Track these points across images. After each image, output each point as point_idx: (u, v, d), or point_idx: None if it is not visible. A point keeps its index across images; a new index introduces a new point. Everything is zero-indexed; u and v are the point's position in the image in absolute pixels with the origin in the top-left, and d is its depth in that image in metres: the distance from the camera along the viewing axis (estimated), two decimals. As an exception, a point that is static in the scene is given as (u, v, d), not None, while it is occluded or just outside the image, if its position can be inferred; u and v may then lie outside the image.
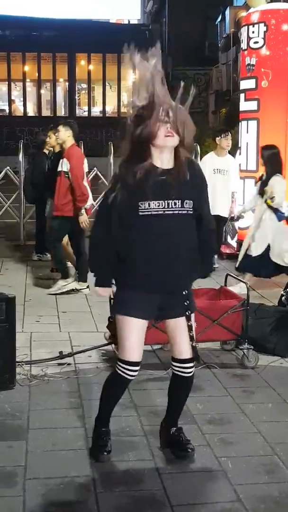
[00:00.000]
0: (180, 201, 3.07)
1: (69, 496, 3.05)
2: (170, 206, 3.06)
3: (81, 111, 28.97)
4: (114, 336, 4.81)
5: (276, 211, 6.57)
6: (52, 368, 4.69)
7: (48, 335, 5.50)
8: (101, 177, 10.13)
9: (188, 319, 3.23)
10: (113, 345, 4.90)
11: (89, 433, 3.65)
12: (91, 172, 9.99)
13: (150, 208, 3.04)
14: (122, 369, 3.26)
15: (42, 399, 4.15)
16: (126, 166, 3.07)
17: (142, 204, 3.04)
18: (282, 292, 5.54)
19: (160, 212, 3.05)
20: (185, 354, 3.26)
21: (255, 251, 6.57)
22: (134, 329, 3.19)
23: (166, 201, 3.05)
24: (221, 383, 4.45)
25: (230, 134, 8.12)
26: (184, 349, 3.26)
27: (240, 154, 8.45)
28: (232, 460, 3.37)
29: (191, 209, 3.12)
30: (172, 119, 3.01)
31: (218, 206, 7.62)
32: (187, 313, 3.22)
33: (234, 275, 5.38)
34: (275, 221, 6.56)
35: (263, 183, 6.68)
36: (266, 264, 6.49)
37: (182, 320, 3.23)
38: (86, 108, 28.91)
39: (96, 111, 28.91)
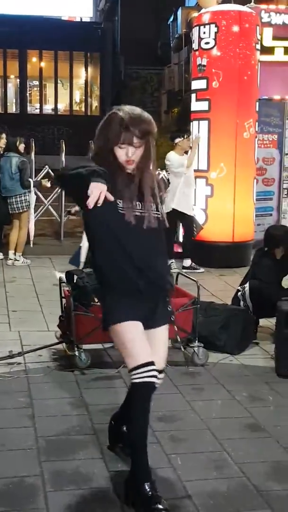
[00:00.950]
0: (154, 204, 2.99)
1: (19, 495, 3.03)
2: (147, 209, 2.96)
3: (33, 108, 28.69)
4: (65, 334, 4.83)
5: None
6: (2, 367, 4.64)
7: (-3, 335, 5.45)
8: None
9: (172, 323, 3.25)
10: (64, 344, 4.90)
11: (39, 433, 3.65)
12: (43, 170, 9.93)
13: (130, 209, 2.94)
14: (138, 375, 2.92)
15: (-9, 399, 4.11)
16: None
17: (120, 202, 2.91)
18: (238, 287, 5.62)
19: (138, 214, 2.93)
20: (160, 365, 3.05)
21: None
22: (134, 331, 2.95)
23: (143, 203, 2.95)
24: (171, 380, 4.48)
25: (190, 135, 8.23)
26: (160, 360, 3.05)
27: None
28: (182, 457, 3.40)
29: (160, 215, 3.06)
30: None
31: (181, 203, 7.88)
32: (172, 318, 3.21)
33: (185, 274, 5.42)
34: None
35: None
36: None
37: (163, 330, 3.09)
38: (37, 105, 28.65)
39: (48, 108, 28.68)
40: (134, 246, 2.94)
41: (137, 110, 2.92)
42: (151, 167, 3.01)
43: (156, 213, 3.01)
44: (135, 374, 2.93)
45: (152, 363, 2.94)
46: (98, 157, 2.94)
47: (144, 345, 2.96)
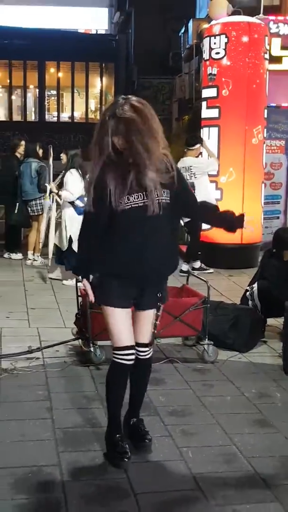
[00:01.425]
0: (157, 190, 3.00)
1: (37, 484, 3.02)
2: (147, 197, 2.99)
3: (51, 116, 28.80)
4: (81, 331, 4.82)
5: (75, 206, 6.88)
6: (21, 362, 4.64)
7: (17, 331, 5.44)
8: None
9: (158, 309, 3.29)
10: (80, 341, 4.88)
11: (57, 424, 3.64)
12: (60, 175, 9.90)
13: (130, 202, 2.99)
14: (118, 356, 3.21)
15: (11, 392, 4.10)
16: (96, 169, 3.03)
17: (122, 199, 2.98)
18: (247, 287, 5.57)
19: (139, 204, 3.00)
20: (143, 339, 3.29)
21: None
22: (118, 317, 3.17)
23: (144, 193, 2.99)
24: (182, 376, 4.45)
25: None
26: (143, 336, 3.28)
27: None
28: (193, 450, 3.37)
29: (168, 199, 3.06)
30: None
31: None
32: (159, 304, 3.26)
33: (195, 274, 5.39)
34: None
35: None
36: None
37: (149, 312, 3.27)
38: (55, 113, 28.73)
39: (65, 116, 28.76)
40: (134, 234, 3.03)
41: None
42: (153, 148, 2.93)
43: (165, 199, 3.03)
44: (115, 353, 3.21)
45: (131, 347, 3.19)
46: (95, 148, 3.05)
47: (127, 329, 3.19)
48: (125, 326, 3.20)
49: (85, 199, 6.97)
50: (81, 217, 6.42)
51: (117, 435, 3.28)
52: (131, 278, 3.12)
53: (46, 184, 8.25)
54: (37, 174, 8.19)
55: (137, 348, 3.28)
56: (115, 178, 2.98)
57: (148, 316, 3.28)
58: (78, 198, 6.82)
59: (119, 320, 3.18)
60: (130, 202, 3.00)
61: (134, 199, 3.00)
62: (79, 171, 6.88)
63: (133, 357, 3.22)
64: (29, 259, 8.33)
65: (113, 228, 3.06)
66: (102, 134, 2.99)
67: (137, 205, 2.99)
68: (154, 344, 3.39)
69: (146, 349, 3.32)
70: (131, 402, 3.44)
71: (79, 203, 6.76)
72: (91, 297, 3.21)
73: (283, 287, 5.25)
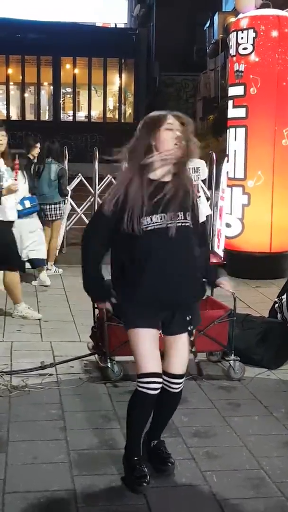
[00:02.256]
0: (182, 212, 3.08)
1: (50, 510, 3.04)
2: (172, 219, 3.05)
3: (66, 115, 28.98)
4: (97, 346, 4.84)
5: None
6: (33, 378, 4.67)
7: (29, 345, 5.48)
8: (85, 183, 10.14)
9: (190, 334, 3.22)
10: (96, 356, 4.91)
11: (71, 446, 3.65)
12: (76, 178, 10.00)
13: (153, 223, 3.03)
14: (142, 384, 3.13)
15: (22, 410, 4.13)
16: (127, 178, 3.09)
17: (144, 219, 3.03)
18: (275, 299, 5.57)
19: (163, 226, 3.04)
20: (177, 370, 3.21)
21: None
22: (145, 339, 3.10)
23: (168, 214, 3.04)
24: (206, 395, 4.45)
25: None
26: (177, 365, 3.21)
27: (228, 161, 8.50)
28: (217, 474, 3.37)
29: (191, 222, 3.13)
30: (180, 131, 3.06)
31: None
32: (189, 328, 3.20)
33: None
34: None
35: None
36: None
37: (182, 337, 3.21)
38: (71, 112, 28.95)
39: (81, 116, 28.96)
40: (156, 258, 3.04)
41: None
42: (186, 171, 3.15)
43: (184, 222, 3.08)
44: (139, 381, 3.13)
45: (157, 375, 3.11)
46: (132, 155, 3.10)
47: (154, 354, 3.12)
48: (150, 350, 3.11)
49: (25, 201, 6.96)
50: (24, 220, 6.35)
51: (135, 458, 3.26)
52: (154, 305, 3.12)
53: (68, 189, 8.32)
54: (57, 177, 8.26)
55: (167, 378, 3.21)
56: (142, 193, 3.03)
57: (178, 342, 3.21)
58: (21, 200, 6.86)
59: (143, 342, 3.10)
60: (153, 223, 3.04)
61: (158, 220, 3.04)
62: (24, 172, 6.92)
63: (158, 386, 3.14)
64: (49, 269, 8.35)
65: (130, 253, 3.09)
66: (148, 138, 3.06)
67: (159, 226, 3.04)
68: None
69: (180, 380, 3.24)
70: (153, 424, 3.42)
71: (21, 205, 6.81)
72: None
73: None
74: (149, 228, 3.03)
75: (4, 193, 5.89)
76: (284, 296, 5.44)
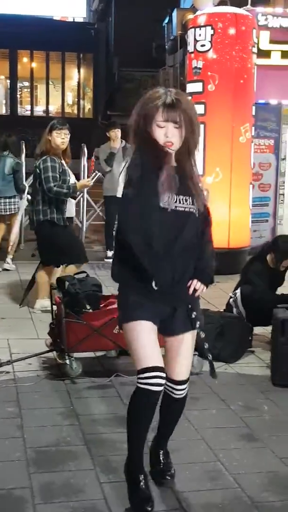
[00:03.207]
0: (190, 197, 2.88)
1: (6, 509, 3.03)
2: (181, 202, 2.85)
3: (23, 110, 28.68)
4: (55, 342, 4.83)
5: None
6: (-10, 376, 4.65)
7: (-14, 342, 5.45)
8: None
9: (199, 332, 3.02)
10: (54, 353, 4.90)
11: (29, 443, 3.65)
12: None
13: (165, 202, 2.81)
14: (144, 380, 2.84)
15: (-21, 408, 4.11)
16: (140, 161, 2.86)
17: (158, 197, 2.79)
18: (230, 294, 5.65)
19: (172, 207, 2.82)
20: (181, 376, 3.00)
21: None
22: (144, 332, 2.86)
23: (178, 196, 2.84)
24: (164, 390, 4.49)
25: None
26: (181, 370, 3.00)
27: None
28: (175, 467, 3.40)
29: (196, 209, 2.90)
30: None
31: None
32: (196, 325, 2.97)
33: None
34: None
35: None
36: None
37: (185, 337, 2.98)
38: (28, 107, 28.65)
39: (39, 110, 28.67)
40: (159, 245, 2.80)
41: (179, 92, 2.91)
42: (192, 160, 2.91)
43: (191, 207, 2.87)
44: (140, 377, 2.85)
45: (159, 369, 2.84)
46: (137, 138, 2.86)
47: (153, 346, 2.86)
48: (150, 342, 2.86)
49: None
50: None
51: (140, 476, 3.00)
52: (150, 293, 2.84)
53: (25, 184, 8.27)
54: (12, 172, 8.21)
55: (170, 384, 3.01)
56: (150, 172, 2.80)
57: (181, 343, 2.97)
58: None
59: (143, 334, 2.85)
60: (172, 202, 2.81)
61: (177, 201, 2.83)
62: None
63: (162, 381, 2.87)
64: (8, 263, 8.33)
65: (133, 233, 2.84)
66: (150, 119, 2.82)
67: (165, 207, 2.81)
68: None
69: (183, 386, 3.04)
70: (159, 430, 3.25)
71: None
72: None
73: (265, 291, 5.34)
74: (163, 207, 2.80)
75: (78, 189, 6.14)
76: (238, 291, 5.53)
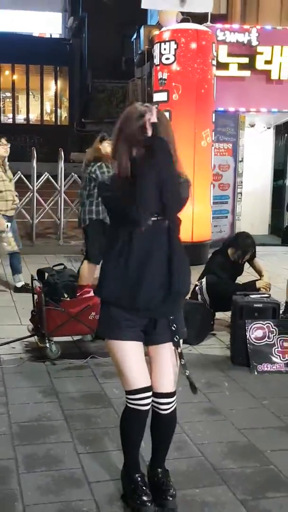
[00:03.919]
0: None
1: (-7, 478, 3.00)
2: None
3: (6, 118, 28.44)
4: (36, 328, 4.80)
5: None
6: (-23, 359, 4.60)
7: (-27, 329, 5.38)
8: (25, 180, 9.98)
9: (177, 345, 2.67)
10: (35, 337, 4.86)
11: (13, 419, 3.62)
12: (15, 176, 9.81)
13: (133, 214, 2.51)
14: (133, 401, 2.66)
15: None
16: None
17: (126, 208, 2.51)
18: (196, 282, 5.64)
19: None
20: (164, 387, 2.66)
21: None
22: (128, 352, 2.62)
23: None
24: (135, 369, 4.48)
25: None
26: (163, 381, 2.66)
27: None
28: (145, 439, 3.36)
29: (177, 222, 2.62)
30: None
31: None
32: (175, 338, 2.65)
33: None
34: None
35: None
36: None
37: (165, 348, 2.67)
38: (10, 115, 28.40)
39: (20, 118, 28.46)
40: (134, 258, 2.54)
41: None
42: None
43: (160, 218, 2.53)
44: (128, 398, 2.68)
45: (148, 389, 2.64)
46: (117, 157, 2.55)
47: (140, 367, 2.64)
48: (137, 364, 2.62)
49: None
50: None
51: (137, 475, 2.77)
52: (128, 307, 2.59)
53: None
54: None
55: (157, 399, 2.68)
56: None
57: (162, 353, 2.66)
58: None
59: (129, 356, 2.61)
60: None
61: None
62: None
63: (149, 401, 2.66)
64: None
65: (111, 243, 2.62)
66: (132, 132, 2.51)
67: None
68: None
69: (169, 400, 2.67)
70: (152, 449, 2.87)
71: None
72: None
73: (227, 281, 5.39)
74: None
75: None
76: (204, 280, 5.54)
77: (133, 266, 2.55)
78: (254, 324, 4.70)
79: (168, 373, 2.68)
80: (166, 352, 2.67)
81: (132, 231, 2.54)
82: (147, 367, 2.69)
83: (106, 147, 5.85)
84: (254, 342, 4.66)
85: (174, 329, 2.65)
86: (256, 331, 4.69)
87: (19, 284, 6.72)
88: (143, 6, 6.78)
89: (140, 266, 2.55)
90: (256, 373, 4.52)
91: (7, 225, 6.45)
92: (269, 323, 4.71)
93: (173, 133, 2.67)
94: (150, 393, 2.67)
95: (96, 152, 5.90)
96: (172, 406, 2.71)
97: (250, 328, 4.69)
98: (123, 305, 2.60)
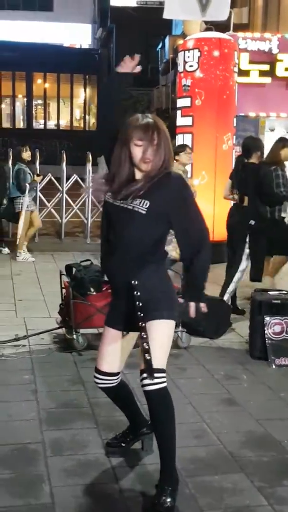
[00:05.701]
0: (141, 200, 2.59)
1: (22, 460, 3.01)
2: (127, 201, 2.61)
3: (38, 124, 28.64)
4: (64, 320, 4.81)
5: None
6: (9, 349, 4.62)
7: (5, 320, 5.41)
8: (55, 181, 10.03)
9: (142, 330, 2.60)
10: (63, 329, 4.87)
11: (41, 405, 3.63)
12: (46, 177, 9.87)
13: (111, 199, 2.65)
14: (96, 380, 2.89)
15: (-1, 376, 4.08)
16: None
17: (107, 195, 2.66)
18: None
19: (117, 204, 2.62)
20: (142, 365, 2.62)
21: None
22: (106, 338, 2.80)
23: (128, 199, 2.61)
24: (158, 361, 4.46)
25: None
26: (142, 360, 2.62)
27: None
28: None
29: (145, 208, 2.59)
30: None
31: None
32: (140, 323, 2.60)
33: (169, 267, 5.40)
34: None
35: None
36: None
37: (144, 328, 2.63)
38: (42, 121, 28.59)
39: (51, 124, 28.63)
40: (116, 242, 2.65)
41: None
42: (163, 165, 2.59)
43: (142, 208, 2.58)
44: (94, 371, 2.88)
45: (104, 373, 2.81)
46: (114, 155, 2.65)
47: (110, 355, 2.78)
48: (110, 351, 2.78)
49: None
50: None
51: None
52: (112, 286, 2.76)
53: (27, 184, 8.20)
54: (17, 176, 8.26)
55: (140, 376, 2.63)
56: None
57: (142, 334, 2.60)
58: None
59: (106, 342, 2.80)
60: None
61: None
62: None
63: (98, 381, 2.86)
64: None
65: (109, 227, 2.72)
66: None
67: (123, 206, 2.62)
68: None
69: (143, 376, 2.58)
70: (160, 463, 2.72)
71: None
72: None
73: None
74: (108, 201, 2.66)
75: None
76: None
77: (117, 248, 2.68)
78: (272, 319, 4.65)
79: (145, 353, 2.58)
80: (143, 333, 2.59)
81: (115, 219, 2.69)
82: (116, 354, 2.80)
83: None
84: (273, 336, 4.61)
85: (136, 294, 2.60)
86: (275, 326, 4.64)
87: None
88: (165, 16, 6.75)
89: (117, 253, 2.67)
90: (274, 366, 4.47)
91: None
92: (287, 319, 4.65)
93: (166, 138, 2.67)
94: (104, 378, 2.84)
95: (276, 157, 5.72)
96: (151, 386, 2.59)
97: (269, 323, 4.64)
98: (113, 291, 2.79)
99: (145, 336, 2.59)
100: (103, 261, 2.82)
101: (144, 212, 2.60)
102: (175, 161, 6.44)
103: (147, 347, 2.58)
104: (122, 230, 2.65)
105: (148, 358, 2.56)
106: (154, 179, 2.61)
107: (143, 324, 2.60)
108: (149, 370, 2.57)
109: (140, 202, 2.61)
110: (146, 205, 2.60)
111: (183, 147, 6.75)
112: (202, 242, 2.67)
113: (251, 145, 5.72)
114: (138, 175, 2.66)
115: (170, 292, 2.75)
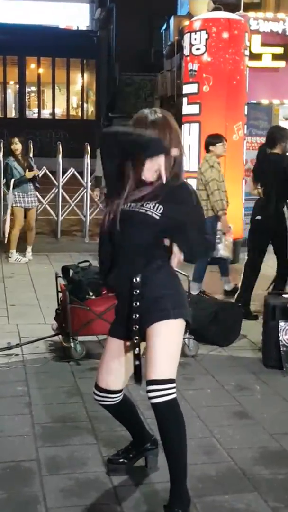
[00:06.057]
0: (154, 204, 2.65)
1: (16, 479, 3.02)
2: (137, 205, 2.67)
3: (31, 112, 28.66)
4: (61, 327, 4.82)
5: None
6: (0, 358, 4.64)
7: (-4, 327, 5.44)
8: (50, 175, 10.05)
9: (135, 334, 2.68)
10: (60, 336, 4.89)
11: (36, 419, 3.65)
12: (41, 171, 9.90)
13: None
14: (94, 396, 2.90)
15: (-10, 388, 4.10)
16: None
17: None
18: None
19: (126, 208, 2.68)
20: (147, 376, 2.63)
21: None
22: (109, 350, 2.81)
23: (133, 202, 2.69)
24: (163, 371, 4.47)
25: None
26: (147, 369, 2.63)
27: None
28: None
29: (158, 214, 2.63)
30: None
31: None
32: (134, 326, 2.66)
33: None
34: None
35: None
36: None
37: (150, 331, 2.66)
38: (36, 110, 28.62)
39: (46, 113, 28.64)
40: (117, 246, 2.70)
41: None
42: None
43: (151, 211, 2.64)
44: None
45: (101, 390, 2.83)
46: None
47: (109, 366, 2.80)
48: (109, 362, 2.79)
49: None
50: None
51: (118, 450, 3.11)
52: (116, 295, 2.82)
53: (13, 180, 8.19)
54: (5, 170, 8.30)
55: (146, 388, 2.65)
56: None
57: (148, 338, 2.64)
58: None
59: (107, 353, 2.81)
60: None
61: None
62: None
63: (97, 398, 2.88)
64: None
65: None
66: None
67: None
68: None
69: (148, 388, 2.61)
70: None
71: None
72: None
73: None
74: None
75: None
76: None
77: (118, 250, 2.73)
78: (287, 325, 4.65)
79: (152, 359, 2.61)
80: (150, 336, 2.63)
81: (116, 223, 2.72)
82: (120, 369, 2.79)
83: None
84: (287, 343, 4.62)
85: (135, 294, 2.65)
86: (290, 333, 4.64)
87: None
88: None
89: (118, 257, 2.73)
90: (289, 376, 4.48)
91: (230, 226, 6.39)
92: (303, 324, 4.66)
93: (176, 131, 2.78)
94: (102, 394, 2.84)
95: None
96: (157, 398, 2.60)
97: (284, 329, 4.64)
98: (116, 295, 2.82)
99: (136, 340, 2.68)
100: (105, 273, 2.80)
101: (157, 217, 2.64)
102: (210, 152, 6.69)
103: (137, 352, 2.67)
104: (131, 233, 2.66)
105: (137, 363, 2.68)
106: (167, 184, 2.67)
107: (137, 326, 2.66)
108: (137, 376, 2.71)
109: (154, 207, 2.66)
110: (160, 210, 2.65)
111: (219, 138, 6.73)
112: (202, 255, 2.94)
113: (277, 134, 5.76)
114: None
115: (177, 289, 2.79)
